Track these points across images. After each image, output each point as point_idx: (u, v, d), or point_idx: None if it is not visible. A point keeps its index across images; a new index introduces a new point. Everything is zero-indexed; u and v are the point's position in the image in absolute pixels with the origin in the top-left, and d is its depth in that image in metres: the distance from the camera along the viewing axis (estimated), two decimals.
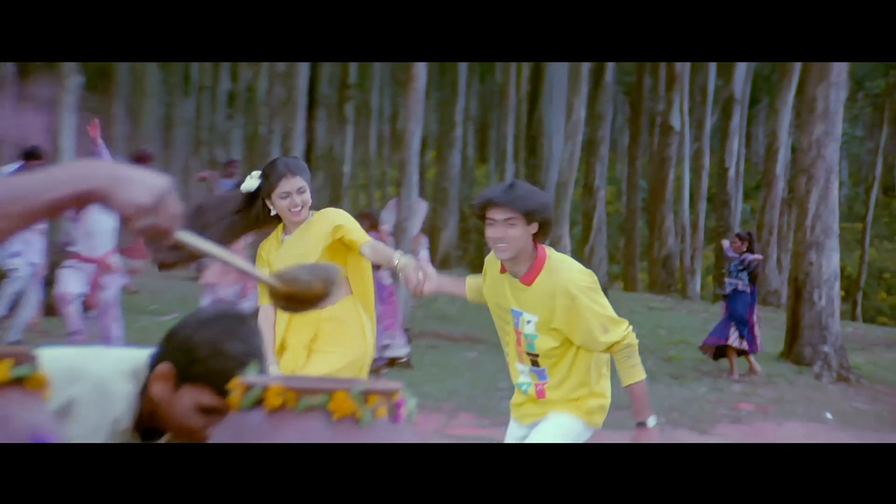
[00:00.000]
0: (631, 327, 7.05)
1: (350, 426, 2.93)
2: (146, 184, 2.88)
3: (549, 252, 7.02)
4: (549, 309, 6.84)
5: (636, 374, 6.89)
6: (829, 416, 18.77)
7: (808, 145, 23.90)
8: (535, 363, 7.12)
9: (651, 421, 6.95)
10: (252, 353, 3.84)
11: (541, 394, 7.17)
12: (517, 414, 7.54)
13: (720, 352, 21.78)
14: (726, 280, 21.70)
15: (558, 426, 7.15)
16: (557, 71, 28.53)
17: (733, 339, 21.41)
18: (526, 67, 41.99)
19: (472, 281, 7.75)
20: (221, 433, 3.13)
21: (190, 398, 3.88)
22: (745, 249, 21.53)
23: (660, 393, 19.24)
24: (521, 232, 6.68)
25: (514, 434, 7.59)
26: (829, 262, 23.47)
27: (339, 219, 8.35)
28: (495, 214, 6.68)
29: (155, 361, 3.97)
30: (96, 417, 3.85)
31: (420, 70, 24.40)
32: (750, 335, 21.46)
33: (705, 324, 26.32)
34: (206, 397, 3.86)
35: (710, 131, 43.25)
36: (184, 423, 3.93)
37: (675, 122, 38.44)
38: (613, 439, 12.81)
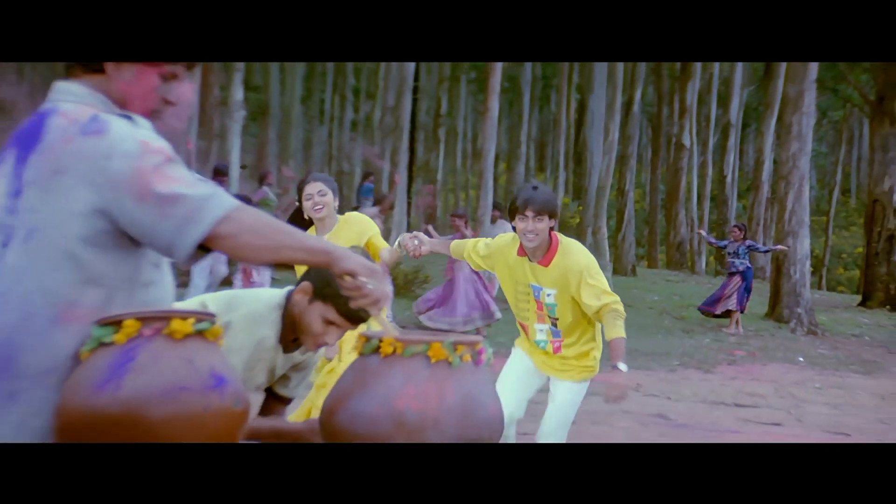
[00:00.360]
0: (619, 299, 6.94)
1: (444, 367, 2.99)
2: (367, 260, 3.04)
3: (560, 238, 6.98)
4: (565, 283, 6.80)
5: (619, 331, 6.71)
6: (800, 359, 18.76)
7: (785, 159, 23.97)
8: (554, 324, 7.05)
9: (622, 366, 6.69)
10: None
11: (557, 350, 7.11)
12: (531, 355, 7.41)
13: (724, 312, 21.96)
14: (736, 261, 21.80)
15: (569, 398, 7.19)
16: (597, 103, 28.41)
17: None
18: (574, 101, 41.87)
19: (454, 246, 7.72)
20: (350, 372, 3.17)
21: (318, 311, 4.00)
22: (742, 237, 21.79)
23: (674, 343, 19.29)
24: (545, 225, 6.69)
25: (522, 360, 7.49)
26: (802, 245, 23.61)
27: (374, 227, 8.34)
28: (528, 212, 6.68)
29: (300, 280, 4.12)
30: (244, 337, 3.98)
31: (494, 102, 24.35)
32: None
33: (709, 292, 26.33)
34: (330, 313, 3.97)
35: (712, 148, 43.13)
36: (310, 328, 4.03)
37: (686, 141, 38.28)
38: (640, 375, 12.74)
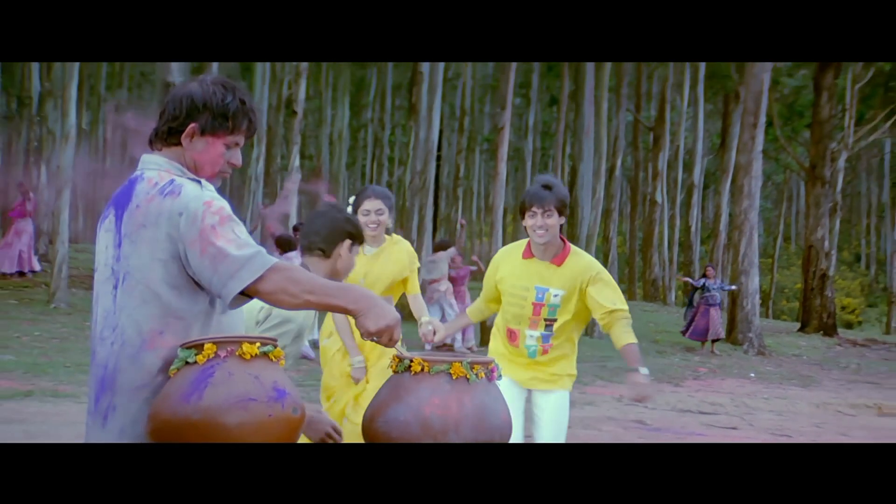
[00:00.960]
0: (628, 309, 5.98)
1: (463, 382, 3.01)
2: (382, 317, 3.01)
3: (570, 243, 6.08)
4: (575, 284, 5.90)
5: (631, 337, 5.79)
6: (752, 375, 18.79)
7: (738, 213, 24.19)
8: (548, 327, 6.01)
9: (643, 370, 5.73)
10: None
11: (546, 350, 6.05)
12: (515, 376, 6.16)
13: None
14: (718, 294, 21.85)
15: (560, 404, 6.12)
16: (586, 169, 28.43)
17: None
18: (567, 167, 41.93)
19: (471, 310, 6.61)
20: (386, 387, 3.17)
21: None
22: (714, 275, 22.05)
23: (650, 361, 19.14)
24: (555, 221, 5.80)
25: (512, 391, 6.10)
26: (753, 282, 23.78)
27: (417, 263, 6.94)
28: (535, 208, 5.83)
29: None
30: (294, 350, 4.01)
31: (502, 168, 24.41)
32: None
33: (678, 320, 26.51)
34: None
35: (679, 204, 43.27)
36: None
37: (658, 198, 38.37)
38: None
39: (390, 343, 3.07)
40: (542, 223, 5.84)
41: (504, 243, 22.32)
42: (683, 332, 22.55)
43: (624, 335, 5.81)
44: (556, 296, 5.96)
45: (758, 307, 24.24)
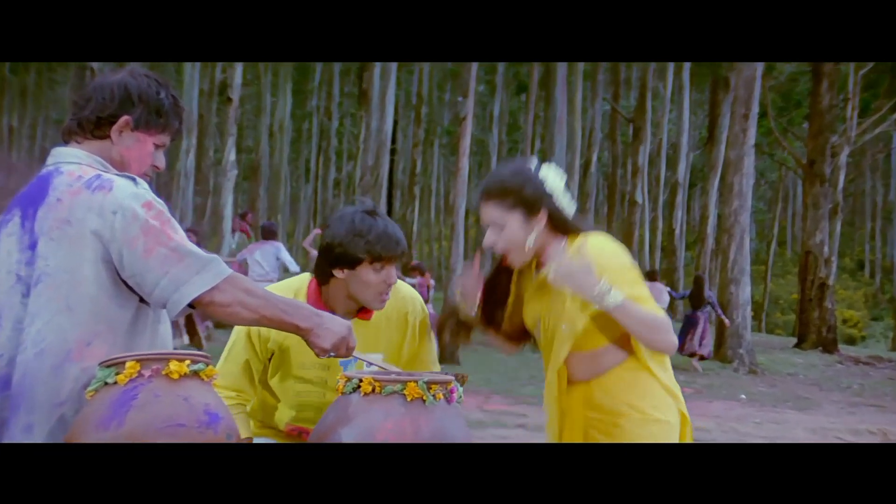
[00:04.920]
0: None
1: (419, 405, 2.98)
2: (332, 331, 3.12)
3: None
4: None
5: None
6: (743, 396, 18.82)
7: (728, 214, 24.27)
8: None
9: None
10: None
11: None
12: None
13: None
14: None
15: None
16: (558, 164, 28.65)
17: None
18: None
19: None
20: (333, 409, 3.15)
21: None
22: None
23: None
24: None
25: None
26: (743, 292, 23.83)
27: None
28: None
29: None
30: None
31: (464, 163, 24.42)
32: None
33: None
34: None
35: (662, 205, 43.40)
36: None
37: (639, 198, 38.46)
38: None
39: (348, 353, 3.15)
40: None
41: (465, 248, 22.06)
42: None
43: None
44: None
45: (749, 320, 24.35)
